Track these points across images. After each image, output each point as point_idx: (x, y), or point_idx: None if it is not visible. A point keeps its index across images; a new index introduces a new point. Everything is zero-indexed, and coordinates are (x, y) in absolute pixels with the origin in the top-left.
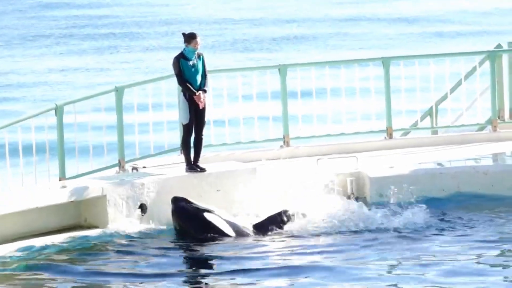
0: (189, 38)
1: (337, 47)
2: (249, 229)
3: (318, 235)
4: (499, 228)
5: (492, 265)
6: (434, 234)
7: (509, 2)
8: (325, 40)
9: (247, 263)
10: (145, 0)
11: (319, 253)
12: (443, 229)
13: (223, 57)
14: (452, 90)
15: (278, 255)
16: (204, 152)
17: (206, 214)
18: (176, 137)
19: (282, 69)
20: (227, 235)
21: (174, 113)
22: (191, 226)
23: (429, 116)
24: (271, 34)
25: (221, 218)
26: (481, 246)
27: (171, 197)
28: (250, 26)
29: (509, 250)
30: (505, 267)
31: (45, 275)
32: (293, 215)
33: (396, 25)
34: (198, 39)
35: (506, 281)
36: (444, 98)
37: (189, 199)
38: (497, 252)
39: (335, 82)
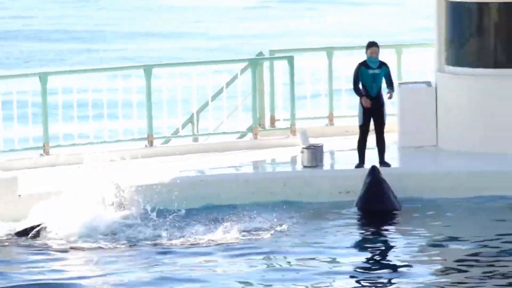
0: None
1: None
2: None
3: (78, 247)
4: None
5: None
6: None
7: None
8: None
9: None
10: None
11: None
12: (207, 237)
13: None
14: (213, 97)
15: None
16: None
17: None
18: None
19: (43, 77)
20: None
21: None
22: None
23: (190, 123)
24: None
25: None
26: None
27: None
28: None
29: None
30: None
31: None
32: (43, 229)
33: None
34: None
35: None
36: (205, 105)
37: None
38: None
39: (97, 94)
